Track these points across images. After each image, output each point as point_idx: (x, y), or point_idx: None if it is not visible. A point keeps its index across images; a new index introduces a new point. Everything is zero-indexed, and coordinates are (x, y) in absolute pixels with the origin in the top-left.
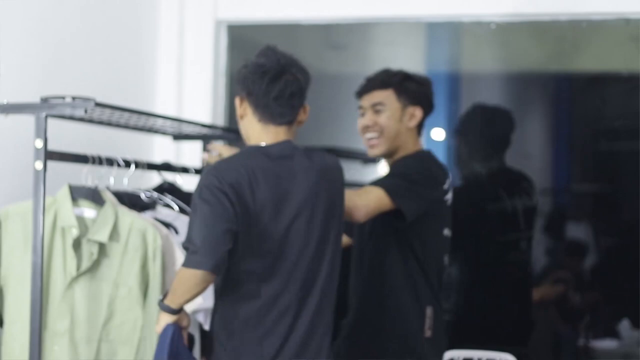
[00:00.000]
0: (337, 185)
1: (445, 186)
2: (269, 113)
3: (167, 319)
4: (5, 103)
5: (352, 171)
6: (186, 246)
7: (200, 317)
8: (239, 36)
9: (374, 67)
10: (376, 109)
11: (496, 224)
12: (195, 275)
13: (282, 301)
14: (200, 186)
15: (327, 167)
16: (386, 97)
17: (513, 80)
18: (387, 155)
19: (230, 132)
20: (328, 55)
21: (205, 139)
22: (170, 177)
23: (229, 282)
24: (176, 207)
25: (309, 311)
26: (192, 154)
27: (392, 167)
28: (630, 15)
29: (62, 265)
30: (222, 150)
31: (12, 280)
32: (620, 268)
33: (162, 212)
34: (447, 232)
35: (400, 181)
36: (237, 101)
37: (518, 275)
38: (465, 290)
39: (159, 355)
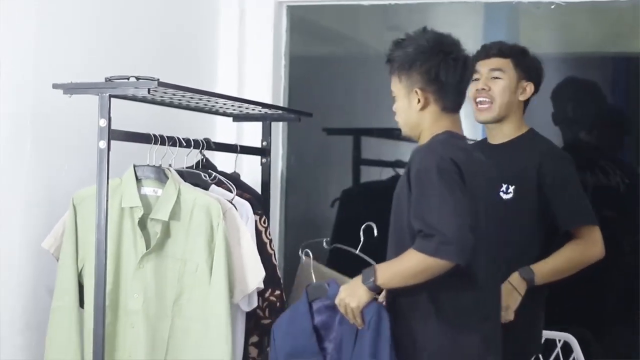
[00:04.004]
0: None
1: None
2: (456, 101)
3: (367, 295)
4: (69, 83)
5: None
6: (428, 233)
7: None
8: (299, 17)
9: None
10: (494, 75)
11: None
12: (440, 265)
13: (487, 291)
14: (436, 167)
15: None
16: (505, 64)
17: (571, 61)
18: (493, 122)
19: (291, 113)
20: (387, 37)
21: (266, 120)
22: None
23: None
24: (233, 187)
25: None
26: (252, 134)
27: (571, 183)
28: None
29: (133, 245)
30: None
31: (89, 262)
32: None
33: (218, 191)
34: None
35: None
36: (413, 94)
37: None
38: None
39: (378, 334)
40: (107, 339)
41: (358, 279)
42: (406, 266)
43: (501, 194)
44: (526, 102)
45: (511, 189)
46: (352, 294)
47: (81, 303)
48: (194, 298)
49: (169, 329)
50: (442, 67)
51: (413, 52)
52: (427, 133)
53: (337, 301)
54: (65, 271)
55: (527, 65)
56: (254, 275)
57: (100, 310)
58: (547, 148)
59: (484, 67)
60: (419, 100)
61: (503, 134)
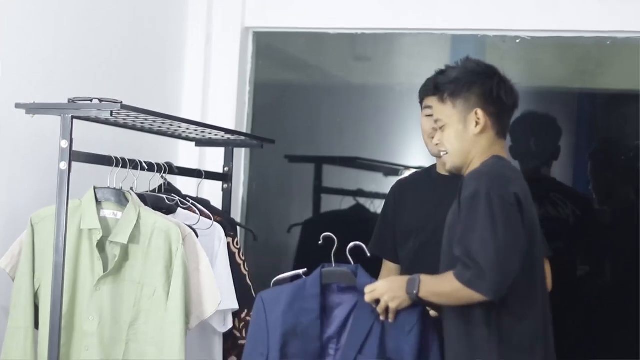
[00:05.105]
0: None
1: None
2: (508, 124)
3: (408, 302)
4: (32, 103)
5: (375, 182)
6: (466, 263)
7: (216, 317)
8: (266, 44)
9: (398, 78)
10: None
11: None
12: (472, 296)
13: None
14: (485, 193)
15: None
16: None
17: (535, 95)
18: None
19: (253, 139)
20: (353, 66)
21: (228, 145)
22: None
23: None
24: (197, 211)
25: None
26: (214, 159)
27: None
28: None
29: (90, 267)
30: None
31: (45, 283)
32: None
33: (182, 214)
34: None
35: None
36: (471, 116)
37: None
38: None
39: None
40: None
41: (402, 284)
42: (444, 288)
43: None
44: None
45: None
46: (393, 296)
47: (36, 324)
48: (150, 322)
49: (123, 352)
50: (502, 87)
51: (469, 75)
52: (476, 161)
53: (369, 290)
54: (21, 291)
55: None
56: (211, 301)
57: (56, 332)
58: None
59: None
60: (476, 123)
61: None
